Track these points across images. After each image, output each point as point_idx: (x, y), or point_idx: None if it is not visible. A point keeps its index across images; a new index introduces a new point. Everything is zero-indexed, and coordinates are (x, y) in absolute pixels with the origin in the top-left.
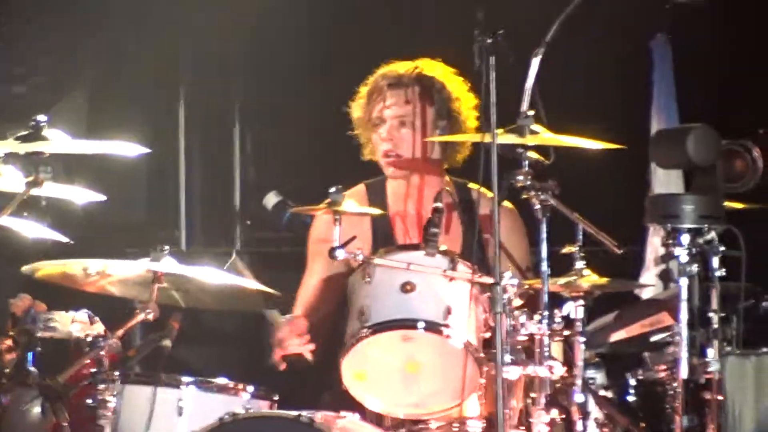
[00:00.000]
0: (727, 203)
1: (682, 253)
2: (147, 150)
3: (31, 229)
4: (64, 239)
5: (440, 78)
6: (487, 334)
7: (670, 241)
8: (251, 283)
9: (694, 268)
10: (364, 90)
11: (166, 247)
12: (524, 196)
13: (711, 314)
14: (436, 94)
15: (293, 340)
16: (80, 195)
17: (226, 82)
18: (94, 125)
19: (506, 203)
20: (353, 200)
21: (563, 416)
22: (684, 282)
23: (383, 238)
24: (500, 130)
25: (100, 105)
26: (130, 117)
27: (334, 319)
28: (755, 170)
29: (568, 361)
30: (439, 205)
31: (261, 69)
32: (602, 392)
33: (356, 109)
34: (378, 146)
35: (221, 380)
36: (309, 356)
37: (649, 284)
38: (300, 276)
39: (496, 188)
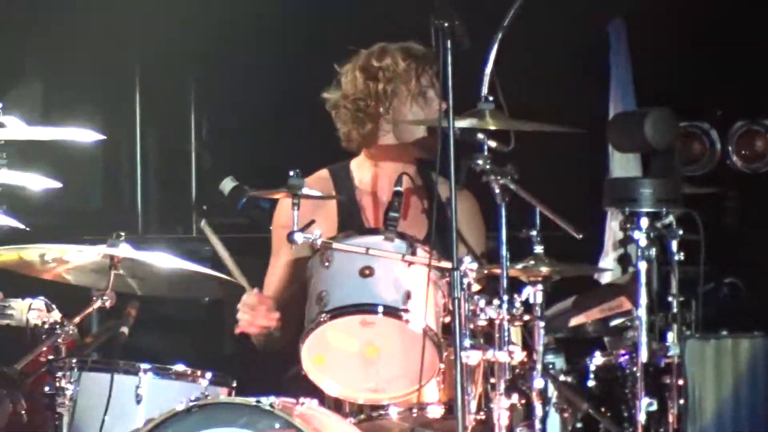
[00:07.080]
0: (685, 187)
1: (640, 237)
2: (103, 136)
3: None
4: (21, 226)
5: None
6: (447, 319)
7: (629, 225)
8: (206, 270)
9: (653, 252)
10: (393, 61)
11: (123, 234)
12: (484, 180)
13: (670, 298)
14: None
15: (260, 313)
16: (36, 182)
17: (182, 67)
18: (50, 111)
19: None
20: (316, 186)
21: (523, 401)
22: (643, 266)
23: (350, 221)
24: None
25: (55, 91)
26: (86, 103)
27: (300, 304)
28: (713, 153)
29: (528, 346)
30: (399, 189)
31: (216, 54)
32: (562, 377)
33: (397, 78)
34: (414, 116)
35: (179, 367)
36: (277, 332)
37: (608, 269)
38: (256, 261)
39: (453, 173)
